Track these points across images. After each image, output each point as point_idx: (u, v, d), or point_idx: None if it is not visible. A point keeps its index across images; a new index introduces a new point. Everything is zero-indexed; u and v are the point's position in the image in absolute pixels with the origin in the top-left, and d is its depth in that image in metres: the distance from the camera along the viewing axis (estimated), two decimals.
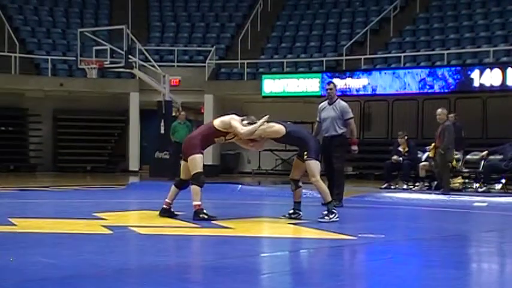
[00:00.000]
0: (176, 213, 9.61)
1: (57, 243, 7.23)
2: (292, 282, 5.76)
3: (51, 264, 5.98)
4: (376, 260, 6.92)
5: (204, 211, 9.25)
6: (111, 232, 8.10)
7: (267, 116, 9.39)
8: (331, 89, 12.00)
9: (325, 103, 12.04)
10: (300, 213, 9.64)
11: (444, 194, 14.06)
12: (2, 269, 5.71)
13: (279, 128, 9.42)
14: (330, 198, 9.49)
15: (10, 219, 8.90)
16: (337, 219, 9.33)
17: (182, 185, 9.52)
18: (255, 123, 9.33)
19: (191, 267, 6.14)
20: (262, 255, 7.10)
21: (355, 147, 11.86)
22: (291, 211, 9.66)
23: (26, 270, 5.73)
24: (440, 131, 14.57)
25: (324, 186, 9.52)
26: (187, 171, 9.40)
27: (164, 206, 9.60)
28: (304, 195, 12.43)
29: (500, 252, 7.86)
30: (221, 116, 9.78)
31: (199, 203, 9.24)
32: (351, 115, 11.85)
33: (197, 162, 9.27)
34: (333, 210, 9.41)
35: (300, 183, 9.70)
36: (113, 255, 6.60)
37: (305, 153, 9.39)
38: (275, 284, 5.69)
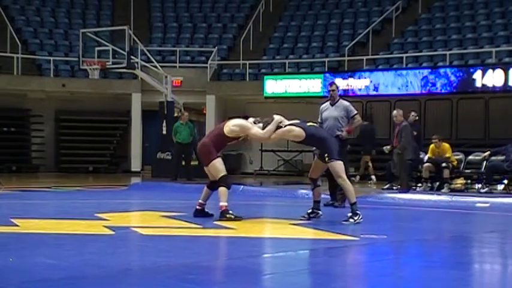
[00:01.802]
0: (210, 213, 9.66)
1: (59, 244, 7.23)
2: (294, 283, 5.75)
3: (53, 265, 5.98)
4: (379, 260, 6.91)
5: (231, 212, 9.36)
6: (113, 233, 8.10)
7: (279, 117, 9.42)
8: (333, 90, 11.96)
9: (327, 104, 12.00)
10: (319, 212, 9.61)
11: (401, 192, 14.25)
12: (4, 270, 5.72)
13: (298, 132, 9.45)
14: (354, 200, 9.43)
15: (12, 220, 8.90)
16: (361, 220, 9.29)
17: (214, 187, 9.66)
18: (266, 122, 9.39)
19: (193, 268, 6.14)
20: (264, 255, 7.10)
21: (344, 133, 11.53)
22: (310, 211, 9.63)
23: (28, 271, 5.73)
24: (397, 132, 15.11)
25: (350, 187, 9.48)
26: (212, 174, 9.62)
27: (197, 207, 9.72)
28: (306, 196, 12.47)
29: (503, 253, 7.84)
30: (230, 119, 9.84)
31: (226, 203, 9.38)
32: (356, 111, 11.85)
33: (218, 166, 9.48)
34: (357, 212, 9.37)
35: (319, 183, 9.70)
36: (115, 256, 6.60)
37: (326, 155, 9.41)
38: (277, 285, 5.68)
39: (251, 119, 9.75)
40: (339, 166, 9.43)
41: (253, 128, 9.42)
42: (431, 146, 16.61)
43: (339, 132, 11.60)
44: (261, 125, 9.49)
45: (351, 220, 9.30)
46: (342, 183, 9.47)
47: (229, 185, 9.49)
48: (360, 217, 9.33)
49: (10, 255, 6.28)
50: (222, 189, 9.43)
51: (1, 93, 22.66)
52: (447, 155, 16.39)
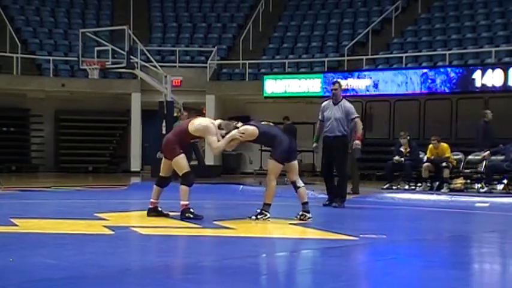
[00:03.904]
0: (166, 212, 9.65)
1: (58, 244, 7.23)
2: (294, 283, 5.76)
3: (52, 265, 5.99)
4: (378, 260, 6.91)
5: (191, 210, 9.35)
6: (112, 232, 8.11)
7: (238, 130, 9.42)
8: (336, 88, 11.85)
9: (329, 102, 11.89)
10: (307, 214, 9.57)
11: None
12: (4, 270, 5.72)
13: (252, 130, 9.48)
14: (270, 202, 9.44)
15: (12, 220, 8.91)
16: (267, 219, 9.29)
17: (164, 183, 9.62)
18: (235, 127, 9.43)
19: (193, 268, 6.14)
20: (264, 255, 7.10)
21: (358, 142, 11.68)
22: (300, 212, 9.62)
23: (28, 271, 5.73)
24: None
25: (273, 188, 9.44)
26: (168, 168, 9.56)
27: (150, 206, 9.69)
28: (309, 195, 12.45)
29: (502, 252, 7.85)
30: (198, 117, 9.92)
31: (186, 202, 9.36)
32: (356, 114, 11.77)
33: (182, 162, 9.42)
34: (266, 212, 9.38)
35: (299, 183, 9.65)
36: (115, 256, 6.60)
37: (270, 152, 9.47)
38: (276, 285, 5.69)
39: (218, 121, 9.73)
40: (274, 166, 9.42)
41: (212, 135, 9.36)
42: (430, 146, 16.63)
43: (356, 147, 11.59)
44: (223, 131, 9.50)
45: (256, 217, 9.32)
46: (268, 182, 9.47)
47: (190, 182, 9.40)
48: (267, 217, 9.34)
49: (10, 255, 6.28)
50: (183, 188, 9.38)
51: (1, 93, 22.66)
52: (446, 155, 16.41)
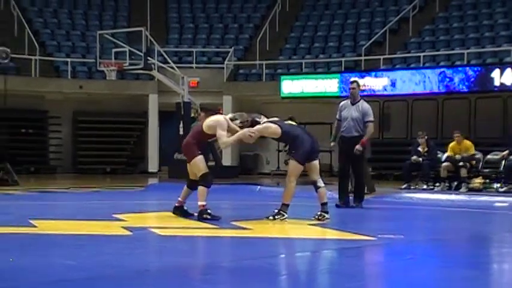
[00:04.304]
0: (191, 212, 9.72)
1: (77, 245, 7.28)
2: (311, 283, 5.76)
3: (71, 266, 6.03)
4: (396, 260, 6.90)
5: (208, 211, 9.42)
6: (130, 233, 8.14)
7: (256, 128, 9.42)
8: (354, 88, 11.80)
9: (347, 102, 11.83)
10: (325, 215, 9.54)
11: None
12: (22, 271, 5.76)
13: (275, 129, 9.47)
14: (288, 202, 9.41)
15: (31, 221, 8.97)
16: (284, 220, 9.27)
17: (194, 186, 9.74)
18: (246, 121, 9.48)
19: (211, 269, 6.16)
20: (282, 256, 7.10)
21: (359, 147, 11.44)
22: (319, 212, 9.60)
23: (46, 272, 5.77)
24: None
25: (292, 189, 9.43)
26: (193, 172, 9.71)
27: (176, 205, 9.83)
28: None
29: None
30: (212, 115, 9.98)
31: (204, 203, 9.45)
32: (372, 118, 11.63)
33: (199, 164, 9.56)
34: (284, 213, 9.37)
35: (319, 183, 9.62)
36: (133, 257, 6.63)
37: (292, 151, 9.45)
38: (295, 285, 5.69)
39: (230, 115, 9.78)
40: (294, 167, 9.40)
41: (221, 130, 9.40)
42: (452, 143, 16.42)
43: (357, 151, 11.46)
44: (237, 121, 9.54)
45: (274, 217, 9.30)
46: (287, 183, 9.46)
47: (208, 184, 9.50)
48: (284, 217, 9.31)
49: (28, 256, 6.33)
50: (201, 189, 9.48)
51: (19, 95, 22.82)
52: (471, 152, 16.30)
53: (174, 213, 9.78)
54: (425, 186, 16.45)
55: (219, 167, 21.50)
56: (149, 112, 24.69)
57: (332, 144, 12.16)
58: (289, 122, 9.91)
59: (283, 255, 7.13)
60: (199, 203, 9.45)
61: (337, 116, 11.88)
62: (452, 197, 14.09)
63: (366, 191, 12.60)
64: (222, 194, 13.26)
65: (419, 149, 16.96)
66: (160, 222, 9.87)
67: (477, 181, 15.90)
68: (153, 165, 24.68)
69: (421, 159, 16.71)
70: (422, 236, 8.91)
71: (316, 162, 9.61)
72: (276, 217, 9.35)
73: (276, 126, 9.50)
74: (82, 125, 24.95)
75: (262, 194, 14.44)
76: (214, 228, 8.74)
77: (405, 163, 17.01)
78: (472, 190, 15.44)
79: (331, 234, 8.56)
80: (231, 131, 9.52)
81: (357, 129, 11.51)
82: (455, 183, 16.12)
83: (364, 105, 11.67)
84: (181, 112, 21.69)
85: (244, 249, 7.36)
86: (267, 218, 9.40)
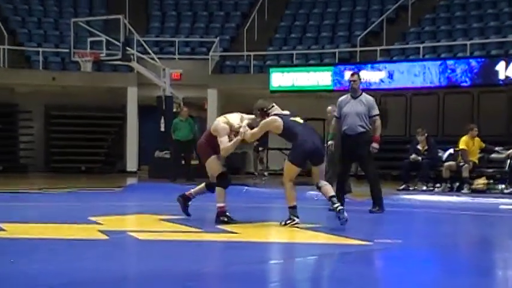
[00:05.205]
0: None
1: (50, 250, 7.26)
2: None
3: (45, 272, 6.01)
4: (393, 267, 6.92)
5: (227, 214, 9.56)
6: (108, 237, 8.13)
7: (244, 128, 9.47)
8: (354, 80, 11.68)
9: (347, 97, 11.70)
10: (337, 204, 9.28)
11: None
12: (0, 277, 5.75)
13: (279, 124, 9.42)
14: (292, 204, 9.36)
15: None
16: (297, 225, 9.21)
17: (211, 187, 9.90)
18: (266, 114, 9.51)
19: (194, 275, 6.16)
20: (271, 262, 7.11)
21: (375, 145, 11.48)
22: (334, 207, 9.33)
23: (19, 278, 5.75)
24: None
25: (290, 191, 9.39)
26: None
27: (185, 193, 10.08)
28: (315, 198, 12.47)
29: None
30: (224, 114, 10.03)
31: (222, 205, 9.61)
32: (378, 112, 11.58)
33: (214, 165, 9.75)
34: (291, 217, 9.31)
35: (321, 184, 9.48)
36: (111, 262, 6.62)
37: (289, 152, 9.47)
38: None
39: (246, 121, 9.68)
40: (288, 168, 9.38)
41: (223, 135, 9.53)
42: (465, 137, 16.29)
43: (374, 150, 11.42)
44: (245, 122, 9.60)
45: (285, 222, 9.26)
46: (285, 184, 9.42)
47: (225, 184, 9.68)
48: (295, 222, 9.25)
49: (2, 261, 6.32)
50: (218, 189, 9.68)
51: None
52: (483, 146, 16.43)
53: (177, 199, 10.06)
54: (424, 187, 16.51)
55: (202, 166, 21.51)
56: (128, 106, 24.63)
57: (330, 143, 12.12)
58: (296, 119, 9.74)
59: (273, 261, 7.13)
60: (218, 204, 9.63)
61: (336, 114, 11.80)
62: (454, 198, 14.14)
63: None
64: (206, 195, 13.26)
65: (419, 147, 17.02)
66: (139, 225, 9.87)
67: (481, 182, 15.96)
68: (132, 164, 24.64)
69: (420, 158, 16.77)
70: (421, 240, 8.93)
71: (319, 168, 9.45)
72: (287, 222, 9.30)
73: (280, 121, 9.44)
74: (55, 120, 24.87)
75: (249, 195, 14.44)
76: (198, 232, 8.74)
77: (403, 162, 17.06)
78: (475, 191, 15.51)
79: (324, 238, 8.57)
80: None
81: (363, 124, 11.37)
82: (457, 184, 16.18)
83: (368, 98, 11.59)
84: (163, 107, 21.66)
85: (231, 254, 7.36)
86: (280, 223, 9.38)
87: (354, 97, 11.59)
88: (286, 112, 9.79)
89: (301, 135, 9.36)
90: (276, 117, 9.48)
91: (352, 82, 11.77)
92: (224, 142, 9.52)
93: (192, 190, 10.11)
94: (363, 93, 11.74)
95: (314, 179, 9.53)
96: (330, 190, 9.53)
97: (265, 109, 9.58)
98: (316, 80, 22.53)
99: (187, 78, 23.34)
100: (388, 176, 20.89)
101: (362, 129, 11.42)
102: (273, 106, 9.70)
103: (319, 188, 9.51)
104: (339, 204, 9.28)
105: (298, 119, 9.71)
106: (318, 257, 7.43)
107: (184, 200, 10.08)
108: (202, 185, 10.05)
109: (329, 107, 14.68)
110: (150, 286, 5.59)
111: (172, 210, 9.84)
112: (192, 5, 27.88)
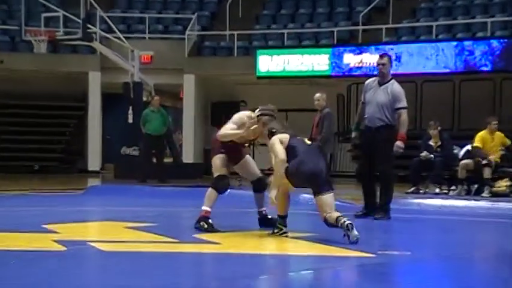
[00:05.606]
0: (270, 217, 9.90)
1: None
2: None
3: None
4: (400, 284, 6.94)
5: (209, 221, 9.63)
6: (65, 248, 8.12)
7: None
8: (384, 64, 11.52)
9: (374, 81, 11.58)
10: (349, 234, 9.23)
11: None
12: None
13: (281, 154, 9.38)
14: (282, 213, 9.32)
15: None
16: (286, 235, 9.24)
17: (257, 187, 10.13)
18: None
19: None
20: (260, 277, 7.11)
21: (400, 144, 11.41)
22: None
23: None
24: (318, 120, 14.82)
25: (278, 200, 9.32)
26: (246, 172, 10.27)
27: (259, 217, 10.09)
28: (310, 202, 12.48)
29: None
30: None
31: (208, 209, 9.71)
32: (405, 104, 11.39)
33: (217, 164, 9.91)
34: (279, 225, 9.31)
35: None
36: (69, 278, 6.61)
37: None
38: None
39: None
40: (276, 175, 9.25)
41: (233, 123, 9.71)
42: (482, 133, 16.35)
43: (399, 149, 11.40)
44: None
45: (273, 232, 9.33)
46: (270, 194, 9.35)
47: (220, 188, 9.80)
48: (282, 231, 9.25)
49: None
50: (210, 191, 9.81)
51: None
52: (507, 145, 16.45)
53: (261, 226, 9.96)
54: (437, 190, 16.58)
55: (178, 165, 21.54)
56: (89, 95, 24.62)
57: (354, 134, 12.06)
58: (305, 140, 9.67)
59: (261, 277, 7.14)
60: (203, 207, 9.72)
61: (362, 99, 11.75)
62: (472, 203, 14.19)
63: None
64: (182, 199, 13.26)
65: (431, 143, 17.07)
66: (102, 234, 9.85)
67: (503, 184, 16.03)
68: (94, 162, 24.63)
69: (432, 155, 16.83)
70: (433, 252, 8.96)
71: (324, 197, 9.08)
72: (275, 231, 9.33)
73: (283, 150, 9.30)
74: (3, 110, 24.82)
75: (232, 199, 14.42)
76: (172, 243, 8.74)
77: (413, 161, 17.11)
78: (496, 195, 15.57)
79: (318, 249, 8.58)
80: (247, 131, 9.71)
81: (382, 117, 11.29)
82: (476, 186, 16.24)
83: (395, 87, 11.41)
84: (131, 95, 21.65)
85: (211, 268, 7.36)
86: (268, 232, 9.43)
87: (381, 83, 11.46)
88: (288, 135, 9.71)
89: (301, 158, 9.16)
90: (278, 141, 9.41)
91: (380, 66, 11.60)
92: (227, 128, 9.72)
93: (257, 208, 10.10)
94: (393, 80, 11.56)
95: (320, 213, 9.22)
96: (334, 214, 9.16)
97: (274, 130, 9.55)
98: (311, 64, 22.58)
99: (160, 62, 23.35)
100: (395, 176, 20.95)
101: (381, 123, 11.35)
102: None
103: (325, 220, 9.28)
104: (346, 219, 8.91)
105: (302, 138, 9.72)
106: (310, 272, 7.44)
107: (265, 220, 9.99)
108: (254, 195, 10.15)
109: (317, 94, 14.74)
110: None
111: (141, 217, 9.84)
112: None
